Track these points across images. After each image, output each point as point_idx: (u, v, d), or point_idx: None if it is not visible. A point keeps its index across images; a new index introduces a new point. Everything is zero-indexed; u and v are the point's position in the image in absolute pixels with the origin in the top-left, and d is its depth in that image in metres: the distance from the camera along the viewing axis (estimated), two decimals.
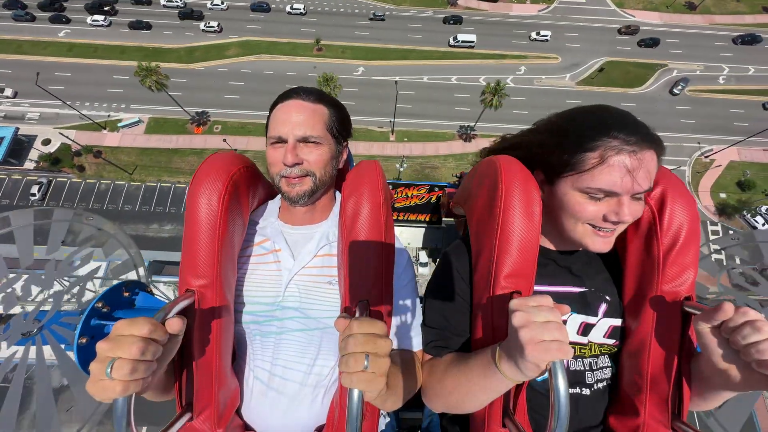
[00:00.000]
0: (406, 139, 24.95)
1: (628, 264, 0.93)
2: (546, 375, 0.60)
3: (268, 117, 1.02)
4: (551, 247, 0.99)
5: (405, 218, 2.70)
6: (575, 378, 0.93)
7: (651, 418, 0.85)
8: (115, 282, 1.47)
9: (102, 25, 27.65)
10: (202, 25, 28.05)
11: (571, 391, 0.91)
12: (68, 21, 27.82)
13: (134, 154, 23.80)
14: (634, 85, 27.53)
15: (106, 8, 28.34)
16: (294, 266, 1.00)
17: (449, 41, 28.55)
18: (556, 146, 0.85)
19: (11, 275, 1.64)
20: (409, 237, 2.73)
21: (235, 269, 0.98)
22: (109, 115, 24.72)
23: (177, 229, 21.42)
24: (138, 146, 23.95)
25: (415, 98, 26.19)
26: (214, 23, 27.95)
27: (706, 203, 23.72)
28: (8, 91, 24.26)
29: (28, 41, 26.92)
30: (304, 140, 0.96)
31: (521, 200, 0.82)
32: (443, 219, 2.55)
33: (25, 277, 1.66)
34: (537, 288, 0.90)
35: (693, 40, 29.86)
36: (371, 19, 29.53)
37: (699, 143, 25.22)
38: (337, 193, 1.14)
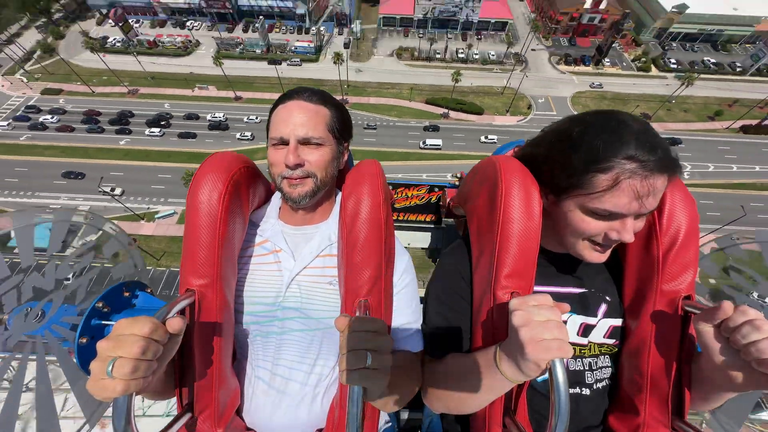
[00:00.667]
0: None
1: (627, 264, 0.93)
2: (546, 375, 0.59)
3: (269, 117, 1.01)
4: (551, 248, 0.96)
5: (405, 218, 2.61)
6: (575, 378, 0.92)
7: (651, 418, 0.84)
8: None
9: (157, 135, 33.69)
10: (237, 134, 34.00)
11: (571, 391, 0.90)
12: (130, 132, 34.12)
13: (164, 241, 26.68)
14: None
15: (162, 122, 35.03)
16: (295, 267, 1.00)
17: (419, 144, 33.51)
18: (564, 161, 0.80)
19: (11, 275, 1.63)
20: (409, 237, 2.67)
21: (236, 269, 0.98)
22: (148, 208, 28.56)
23: None
24: (169, 235, 26.97)
25: None
26: (248, 133, 33.93)
27: (698, 291, 24.51)
28: (118, 190, 29.02)
29: (94, 148, 32.76)
30: (306, 141, 0.96)
31: (521, 200, 0.81)
32: (443, 219, 2.51)
33: (25, 277, 1.64)
34: (537, 288, 0.89)
35: None
36: (365, 128, 35.21)
37: None
38: (338, 193, 1.12)
